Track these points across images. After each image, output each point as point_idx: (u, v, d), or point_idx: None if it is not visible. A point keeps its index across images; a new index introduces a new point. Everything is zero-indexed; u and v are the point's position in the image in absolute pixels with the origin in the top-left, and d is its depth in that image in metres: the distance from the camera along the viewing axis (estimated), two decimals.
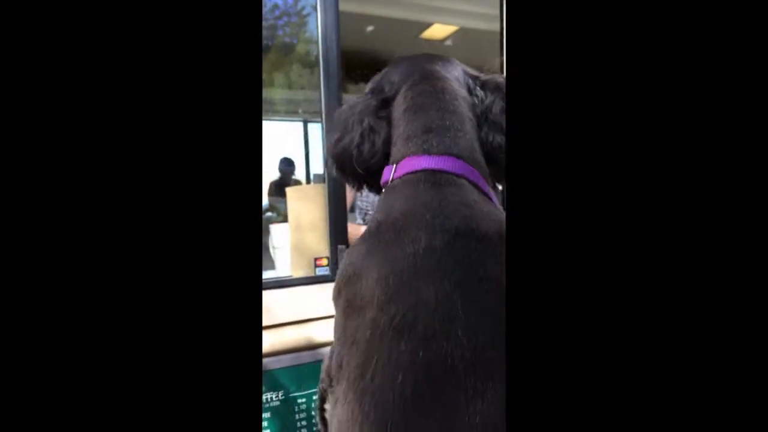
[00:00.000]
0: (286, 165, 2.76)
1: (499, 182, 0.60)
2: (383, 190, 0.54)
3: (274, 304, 0.90)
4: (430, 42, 2.24)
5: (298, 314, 0.92)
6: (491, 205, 0.50)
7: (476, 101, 0.57)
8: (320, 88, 0.93)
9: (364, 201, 1.47)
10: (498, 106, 0.56)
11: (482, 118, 0.56)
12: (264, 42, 2.15)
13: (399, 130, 0.55)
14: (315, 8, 0.91)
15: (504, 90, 0.56)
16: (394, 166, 0.53)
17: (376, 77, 0.61)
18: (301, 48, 2.27)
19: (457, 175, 0.49)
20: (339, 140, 0.57)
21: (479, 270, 0.41)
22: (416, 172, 0.50)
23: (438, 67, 0.57)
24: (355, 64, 2.57)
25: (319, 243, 0.95)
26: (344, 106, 0.60)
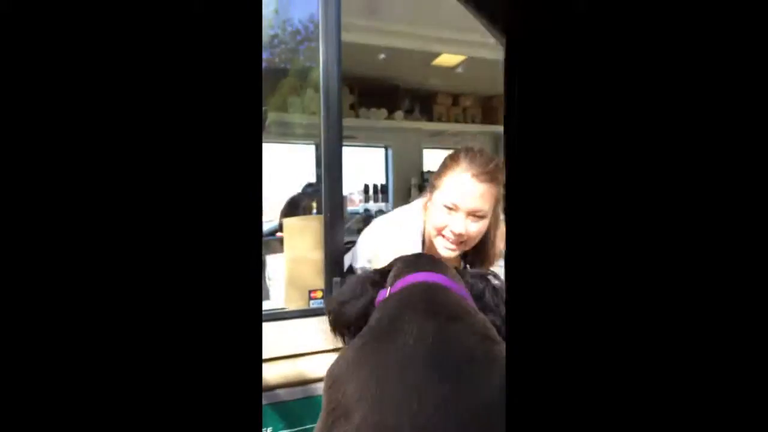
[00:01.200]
0: (308, 188, 2.75)
1: None
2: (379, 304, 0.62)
3: (265, 337, 0.87)
4: (441, 69, 2.24)
5: (290, 348, 0.89)
6: (480, 316, 0.55)
7: (465, 283, 0.66)
8: (314, 116, 0.92)
9: None
10: (489, 291, 0.65)
11: (475, 298, 0.63)
12: (283, 66, 2.18)
13: (391, 275, 0.66)
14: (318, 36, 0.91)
15: (492, 283, 0.67)
16: (389, 288, 0.62)
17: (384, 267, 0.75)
18: (315, 73, 2.29)
19: (447, 287, 0.58)
20: (343, 303, 0.68)
21: (467, 369, 0.42)
22: (409, 284, 0.59)
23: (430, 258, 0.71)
24: (368, 90, 2.60)
25: (314, 275, 0.92)
26: (354, 277, 0.73)
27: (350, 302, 0.67)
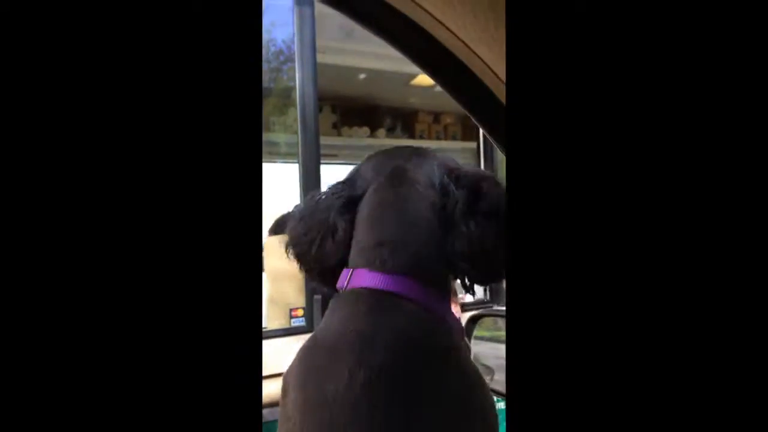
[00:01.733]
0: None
1: (476, 283, 0.59)
2: (333, 296, 0.54)
3: None
4: (421, 88, 2.29)
5: (272, 368, 0.89)
6: (436, 328, 0.49)
7: (447, 202, 0.54)
8: (297, 135, 0.94)
9: None
10: (462, 207, 0.53)
11: (450, 222, 0.53)
12: (266, 85, 2.21)
13: (357, 238, 0.54)
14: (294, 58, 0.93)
15: (479, 186, 0.54)
16: (350, 273, 0.52)
17: (354, 169, 0.60)
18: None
19: (401, 296, 0.49)
20: (300, 233, 0.56)
21: (399, 418, 0.41)
22: (361, 288, 0.50)
23: (410, 166, 0.56)
24: (350, 110, 2.64)
25: (295, 293, 0.93)
26: (313, 197, 0.59)
27: (313, 242, 0.55)
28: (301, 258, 0.57)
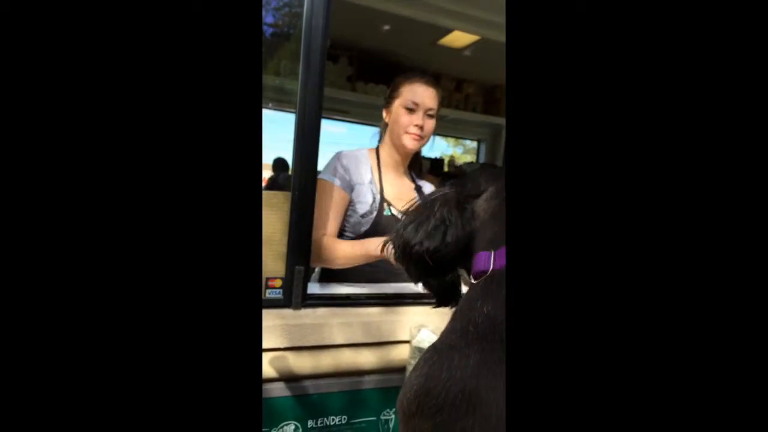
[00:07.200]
0: (278, 167, 2.43)
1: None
2: (483, 280, 0.50)
3: None
4: (447, 49, 2.10)
5: None
6: None
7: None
8: (298, 80, 0.79)
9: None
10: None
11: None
12: (287, 30, 2.02)
13: (494, 224, 0.53)
14: None
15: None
16: (492, 253, 0.49)
17: (455, 180, 0.62)
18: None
19: None
20: (408, 224, 0.57)
21: None
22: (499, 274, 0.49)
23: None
24: (368, 63, 2.45)
25: (274, 261, 0.81)
26: (427, 199, 0.61)
27: (425, 230, 0.55)
28: (406, 252, 0.56)
